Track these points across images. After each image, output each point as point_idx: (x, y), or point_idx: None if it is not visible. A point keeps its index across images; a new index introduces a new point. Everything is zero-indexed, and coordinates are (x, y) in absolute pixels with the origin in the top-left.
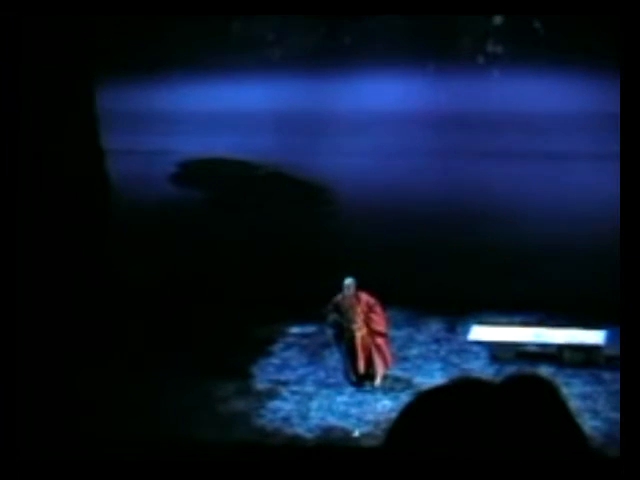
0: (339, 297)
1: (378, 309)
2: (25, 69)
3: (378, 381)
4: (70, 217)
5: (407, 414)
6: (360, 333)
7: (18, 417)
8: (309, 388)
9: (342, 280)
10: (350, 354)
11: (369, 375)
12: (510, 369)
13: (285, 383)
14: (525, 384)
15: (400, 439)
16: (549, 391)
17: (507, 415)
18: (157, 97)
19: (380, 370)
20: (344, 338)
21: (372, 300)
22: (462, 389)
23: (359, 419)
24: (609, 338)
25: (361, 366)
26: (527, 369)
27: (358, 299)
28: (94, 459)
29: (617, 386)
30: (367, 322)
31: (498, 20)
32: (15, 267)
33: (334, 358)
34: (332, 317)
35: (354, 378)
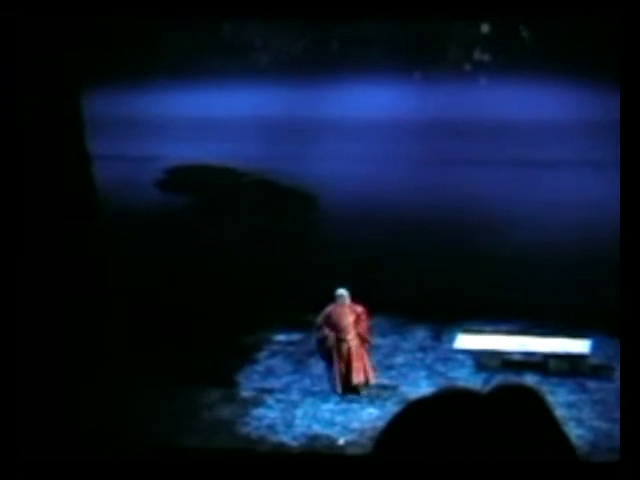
0: (330, 307)
1: (364, 317)
2: (12, 76)
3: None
4: (58, 223)
5: (396, 424)
6: (354, 343)
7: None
8: (294, 396)
9: (328, 287)
10: (343, 364)
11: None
12: (496, 378)
13: (270, 391)
14: (512, 394)
15: (388, 448)
16: (535, 400)
17: (494, 424)
18: (145, 103)
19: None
20: (334, 349)
21: (359, 308)
22: (450, 399)
23: (344, 427)
24: (594, 347)
25: (360, 376)
26: (512, 378)
27: (351, 309)
28: (77, 463)
29: (602, 395)
30: (357, 331)
31: (485, 28)
32: (3, 273)
33: (320, 366)
34: (322, 332)
35: (342, 389)
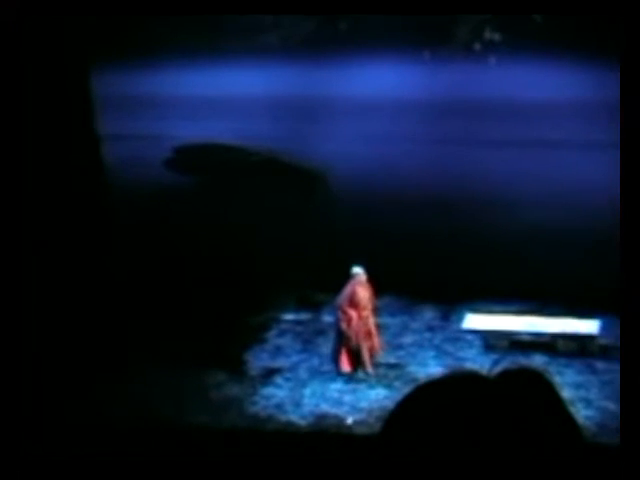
0: (351, 287)
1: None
2: (19, 54)
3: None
4: (66, 202)
5: (405, 405)
6: (373, 320)
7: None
8: (303, 375)
9: (336, 266)
10: (370, 342)
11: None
12: (504, 359)
13: (279, 370)
14: (519, 377)
15: (397, 429)
16: (543, 383)
17: (502, 407)
18: (152, 82)
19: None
20: (361, 328)
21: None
22: (459, 382)
23: (352, 407)
24: (603, 328)
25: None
26: (521, 358)
27: (368, 285)
28: (87, 444)
29: (610, 376)
30: (373, 306)
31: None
32: (8, 252)
33: (328, 345)
34: (345, 314)
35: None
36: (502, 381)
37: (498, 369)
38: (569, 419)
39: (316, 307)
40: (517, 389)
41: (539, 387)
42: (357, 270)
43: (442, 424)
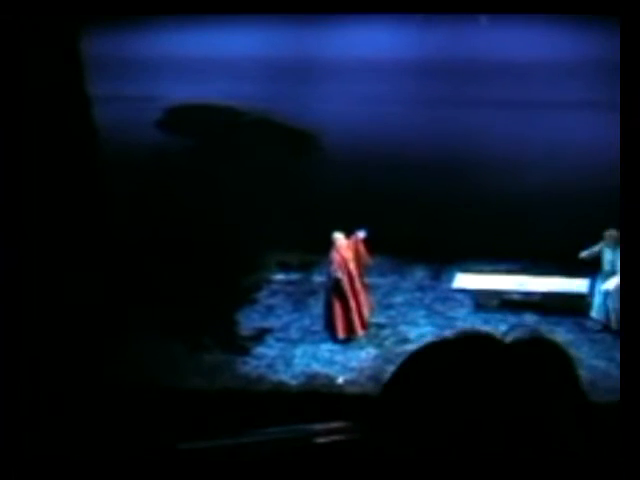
0: (336, 252)
1: (359, 244)
2: (9, 17)
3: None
4: (58, 164)
5: (412, 363)
6: (359, 279)
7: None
8: (294, 335)
9: (329, 227)
10: (355, 302)
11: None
12: (495, 317)
13: (270, 330)
14: (536, 346)
15: (401, 387)
16: (559, 356)
17: (513, 375)
18: (144, 43)
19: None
20: (345, 291)
21: (351, 239)
22: (471, 343)
23: (343, 366)
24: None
25: (359, 321)
26: (511, 318)
27: (348, 245)
28: (78, 407)
29: (600, 334)
30: (357, 263)
31: None
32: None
33: (319, 306)
34: (334, 276)
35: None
36: (516, 346)
37: (513, 334)
38: (581, 395)
39: (307, 267)
40: (530, 357)
41: (553, 358)
42: (336, 235)
43: (450, 383)
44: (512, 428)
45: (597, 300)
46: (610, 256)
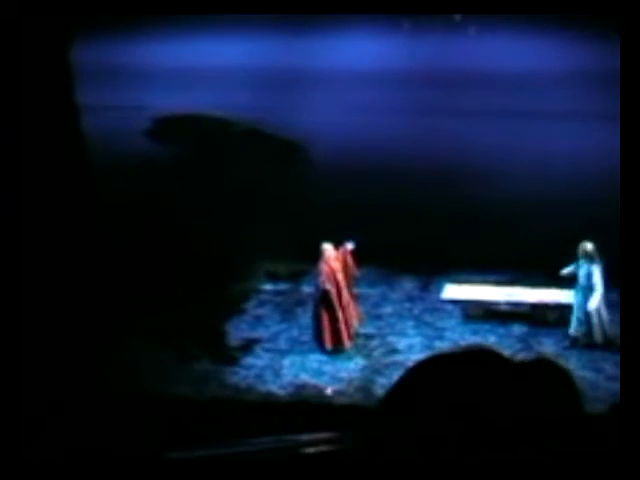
0: (324, 263)
1: (348, 256)
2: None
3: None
4: (45, 172)
5: (416, 373)
6: (347, 290)
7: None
8: (282, 345)
9: (318, 237)
10: (339, 318)
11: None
12: (483, 327)
13: (258, 340)
14: (542, 369)
15: (404, 396)
16: (565, 382)
17: (517, 395)
18: (134, 52)
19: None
20: (336, 301)
21: (340, 251)
22: (478, 359)
23: (332, 377)
24: None
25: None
26: (500, 329)
27: (337, 257)
28: (68, 415)
29: (589, 345)
30: (346, 273)
31: None
32: None
33: (307, 316)
34: (322, 287)
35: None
36: (523, 366)
37: (521, 357)
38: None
39: (295, 278)
40: (536, 379)
41: (559, 383)
42: (325, 246)
43: (454, 395)
44: (514, 442)
45: (575, 315)
46: (585, 270)
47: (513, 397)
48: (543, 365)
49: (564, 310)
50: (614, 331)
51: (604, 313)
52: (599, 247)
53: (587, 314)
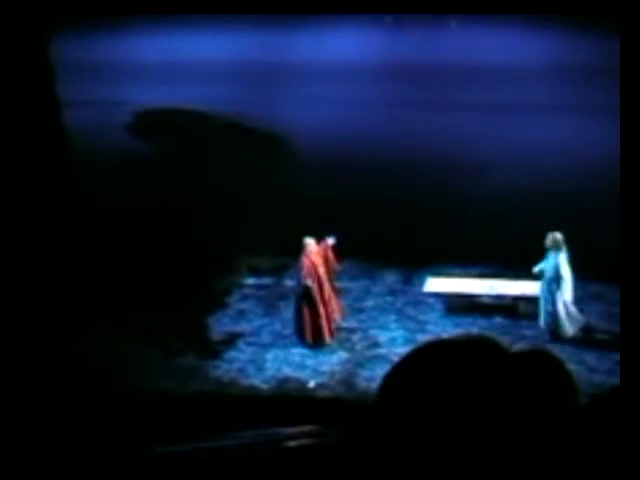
0: (305, 258)
1: (329, 251)
2: None
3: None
4: (28, 168)
5: (411, 360)
6: (329, 285)
7: None
8: (265, 339)
9: (300, 231)
10: (325, 309)
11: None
12: (466, 320)
13: (241, 334)
14: (539, 360)
15: (399, 385)
16: (562, 375)
17: (516, 381)
18: (115, 47)
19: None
20: (318, 296)
21: (322, 245)
22: (476, 346)
23: (314, 370)
24: None
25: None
26: (482, 321)
27: (318, 252)
28: (52, 412)
29: (571, 337)
30: (328, 268)
31: None
32: None
33: (290, 310)
34: (304, 283)
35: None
36: (519, 356)
37: (519, 348)
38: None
39: (278, 272)
40: (533, 370)
41: (556, 376)
42: (307, 241)
43: (451, 383)
44: (509, 432)
45: (544, 308)
46: (552, 260)
47: (511, 388)
48: (540, 356)
49: None
50: (581, 323)
51: (570, 305)
52: (567, 238)
53: (554, 306)
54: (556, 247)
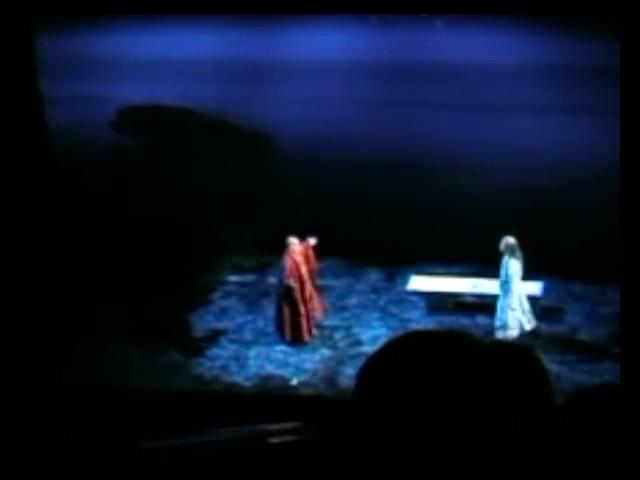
0: (288, 259)
1: (310, 250)
2: None
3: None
4: (11, 164)
5: (389, 351)
6: (310, 284)
7: None
8: (247, 337)
9: (283, 229)
10: (306, 308)
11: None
12: (448, 319)
13: (223, 331)
14: (513, 352)
15: (379, 377)
16: (534, 365)
17: (487, 376)
18: (98, 44)
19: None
20: (299, 296)
21: (304, 244)
22: (450, 338)
23: (297, 368)
24: (546, 289)
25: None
26: (465, 320)
27: (300, 251)
28: (35, 409)
29: (552, 336)
30: (309, 268)
31: None
32: None
33: (272, 307)
34: (285, 283)
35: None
36: (493, 350)
37: (491, 339)
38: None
39: (261, 269)
40: (507, 361)
41: (528, 366)
42: (291, 240)
43: (425, 376)
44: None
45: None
46: (504, 264)
47: (485, 379)
48: (517, 350)
49: (529, 301)
50: (528, 328)
51: (517, 309)
52: (553, 238)
53: (502, 309)
54: (510, 251)
